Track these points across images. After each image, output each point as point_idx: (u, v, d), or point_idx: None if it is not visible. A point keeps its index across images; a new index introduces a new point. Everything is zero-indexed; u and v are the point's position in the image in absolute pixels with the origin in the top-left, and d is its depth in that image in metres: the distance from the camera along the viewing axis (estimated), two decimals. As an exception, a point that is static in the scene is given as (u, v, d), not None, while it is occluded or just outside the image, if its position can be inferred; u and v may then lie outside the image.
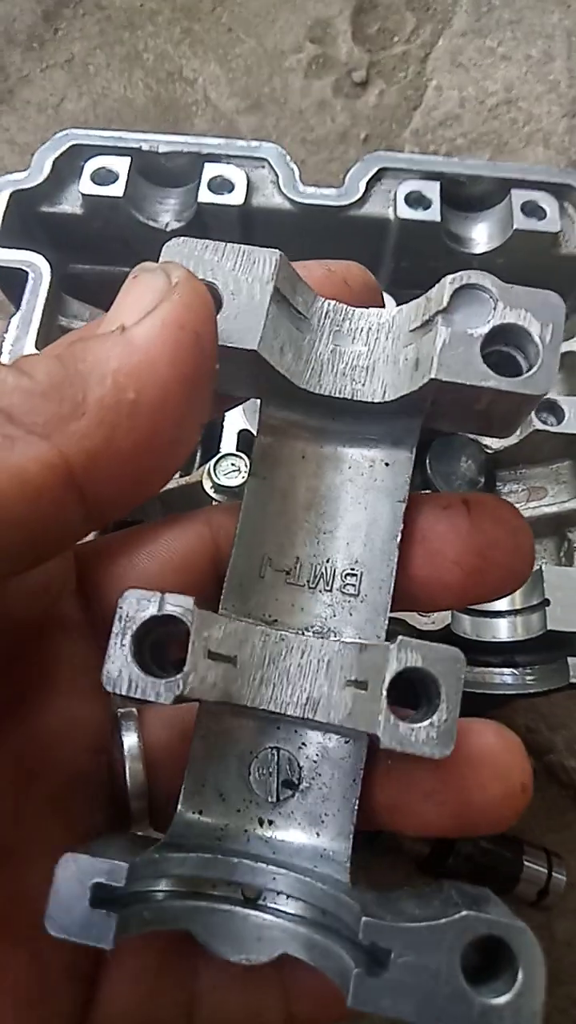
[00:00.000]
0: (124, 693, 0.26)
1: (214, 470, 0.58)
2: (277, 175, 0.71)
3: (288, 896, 0.29)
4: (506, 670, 0.59)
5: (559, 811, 0.99)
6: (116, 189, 0.68)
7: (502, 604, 0.60)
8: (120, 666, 0.26)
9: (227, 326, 0.28)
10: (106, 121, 1.32)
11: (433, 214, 0.69)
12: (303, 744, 0.32)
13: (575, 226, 0.72)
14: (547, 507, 0.64)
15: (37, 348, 0.63)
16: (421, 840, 0.88)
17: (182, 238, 0.30)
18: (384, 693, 0.27)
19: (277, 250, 0.30)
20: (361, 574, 0.32)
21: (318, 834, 0.31)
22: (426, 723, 0.26)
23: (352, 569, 0.32)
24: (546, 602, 0.56)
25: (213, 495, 0.58)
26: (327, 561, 0.32)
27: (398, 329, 0.31)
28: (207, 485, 0.58)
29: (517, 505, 0.65)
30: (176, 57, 1.38)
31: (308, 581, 0.32)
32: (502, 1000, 0.24)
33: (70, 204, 0.71)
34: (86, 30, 1.39)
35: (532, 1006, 0.25)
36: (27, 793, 0.30)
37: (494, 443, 0.66)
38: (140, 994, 0.31)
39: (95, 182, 0.68)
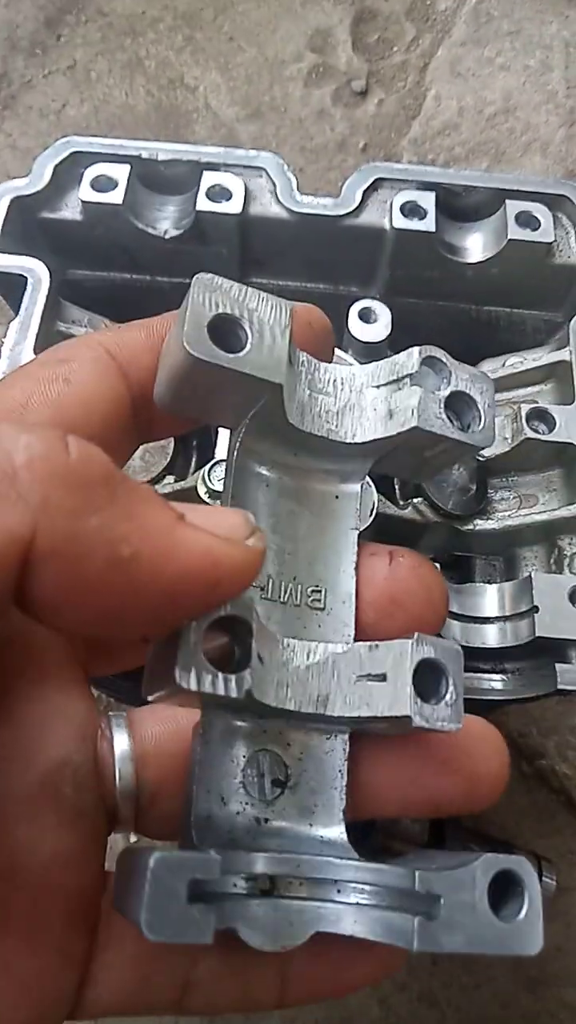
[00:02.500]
0: (196, 689, 0.28)
1: (208, 476, 0.59)
2: (275, 184, 0.72)
3: (312, 880, 0.31)
4: (495, 675, 0.61)
5: (549, 815, 1.02)
6: (116, 196, 0.69)
7: (491, 610, 0.61)
8: (191, 663, 0.28)
9: (252, 358, 0.31)
10: (107, 127, 1.35)
11: (428, 224, 0.70)
12: (288, 744, 0.34)
13: (569, 236, 0.73)
14: (537, 515, 0.65)
15: (35, 353, 0.64)
16: (410, 843, 0.89)
17: (211, 275, 0.32)
18: (410, 680, 0.31)
19: (291, 301, 0.33)
20: (325, 591, 0.36)
21: (311, 824, 0.34)
22: (442, 703, 0.31)
23: (316, 586, 0.36)
24: (535, 608, 0.57)
25: (207, 500, 0.59)
26: (293, 579, 0.35)
27: (360, 384, 0.36)
28: (201, 490, 0.59)
29: (508, 513, 0.67)
30: (177, 65, 1.41)
31: (280, 596, 0.35)
32: (518, 919, 0.30)
33: (70, 210, 0.72)
34: (88, 37, 1.43)
35: (538, 922, 0.31)
36: (16, 776, 0.31)
37: (486, 451, 0.67)
38: (134, 979, 0.32)
39: (95, 189, 0.69)
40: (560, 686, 0.56)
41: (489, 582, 0.65)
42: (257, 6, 1.46)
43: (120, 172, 0.70)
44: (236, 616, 0.29)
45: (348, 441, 0.35)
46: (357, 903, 0.31)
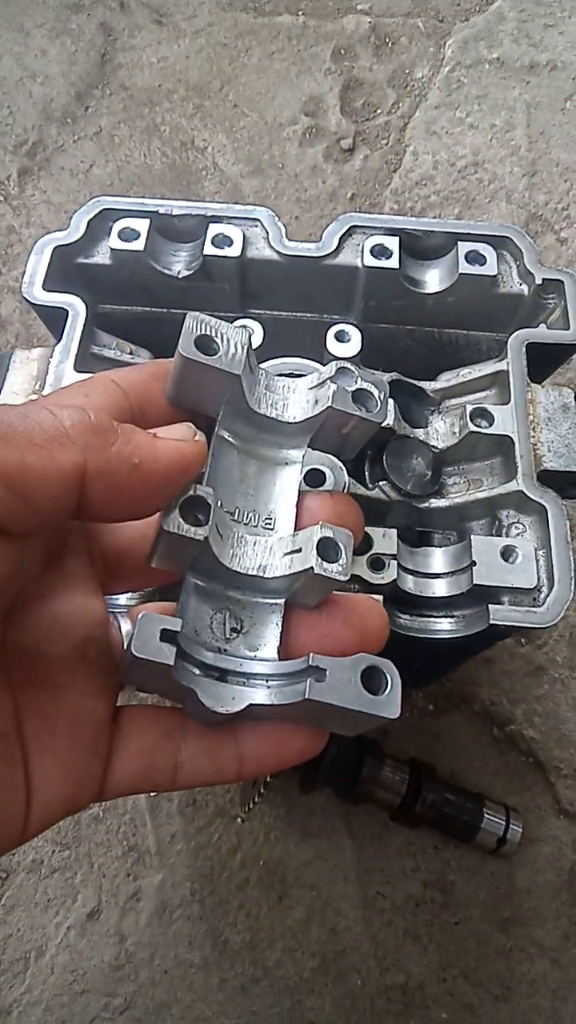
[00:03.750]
0: (174, 530, 0.40)
1: None
2: (268, 232, 0.80)
3: (249, 675, 0.44)
4: (445, 619, 0.73)
5: (519, 775, 1.11)
6: (138, 244, 0.79)
7: (440, 567, 0.73)
8: (173, 517, 0.41)
9: (221, 360, 0.44)
10: (129, 184, 1.46)
11: (393, 263, 0.79)
12: (243, 607, 0.48)
13: (511, 270, 0.82)
14: (481, 493, 0.76)
15: (75, 370, 0.76)
16: (392, 792, 1.01)
17: (198, 314, 0.46)
18: (315, 549, 0.43)
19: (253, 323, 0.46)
20: (274, 519, 0.49)
21: (255, 656, 0.46)
22: (336, 564, 0.43)
23: (269, 516, 0.49)
24: (473, 563, 0.69)
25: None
26: (254, 511, 0.49)
27: (299, 386, 0.50)
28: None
29: (459, 495, 0.79)
30: (189, 129, 1.52)
31: (243, 520, 0.49)
32: (382, 693, 0.41)
33: (101, 256, 0.81)
34: (112, 107, 1.53)
35: (397, 699, 0.41)
36: (57, 645, 0.44)
37: (440, 443, 0.79)
38: (141, 767, 0.44)
39: (121, 239, 0.79)
40: (491, 621, 0.68)
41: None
42: (258, 77, 1.56)
43: (142, 225, 0.79)
44: (201, 496, 0.42)
45: (289, 421, 0.49)
46: (275, 686, 0.43)
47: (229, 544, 0.45)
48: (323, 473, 0.72)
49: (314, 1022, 1.02)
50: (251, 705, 0.43)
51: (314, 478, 0.71)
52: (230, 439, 0.50)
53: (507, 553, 0.69)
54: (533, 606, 0.68)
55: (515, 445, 0.73)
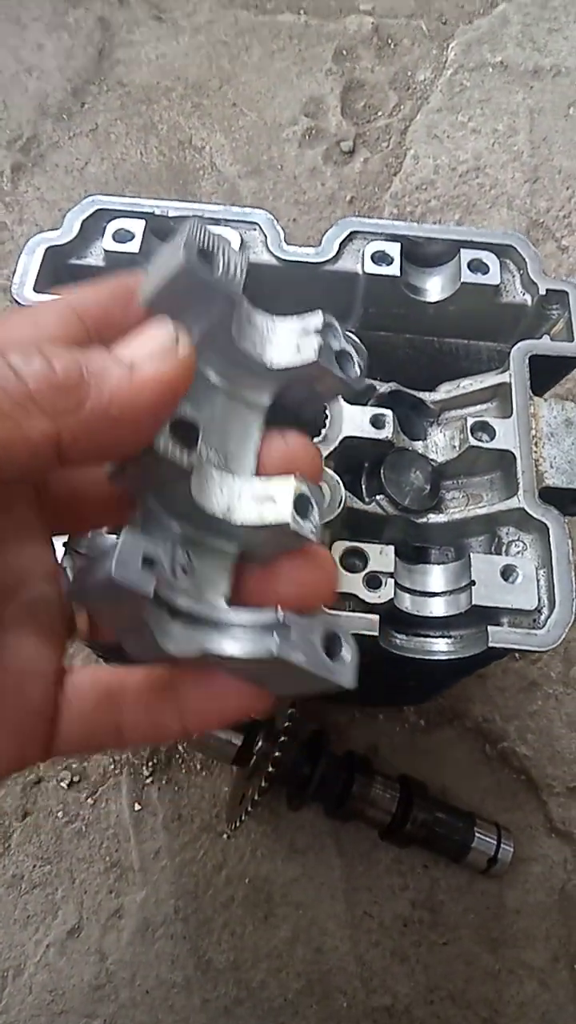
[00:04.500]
0: (162, 451, 0.37)
1: None
2: (266, 236, 0.79)
3: (213, 621, 0.42)
4: (442, 640, 0.71)
5: (511, 793, 1.10)
6: (133, 246, 0.77)
7: (438, 586, 0.71)
8: (162, 439, 0.38)
9: (222, 281, 0.41)
10: (124, 183, 1.44)
11: (394, 270, 0.77)
12: (196, 547, 0.45)
13: (514, 279, 0.80)
14: (481, 509, 0.75)
15: None
16: (382, 810, 0.99)
17: (201, 220, 0.43)
18: (292, 503, 0.41)
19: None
20: (238, 461, 0.46)
21: (201, 597, 0.44)
22: (309, 519, 0.41)
23: (232, 455, 0.47)
24: (472, 583, 0.67)
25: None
26: (216, 449, 0.46)
27: (281, 328, 0.46)
28: None
29: (458, 510, 0.77)
30: (186, 128, 1.50)
31: (208, 458, 0.45)
32: (340, 658, 0.40)
33: (94, 258, 0.79)
34: (109, 104, 1.51)
35: (353, 667, 0.40)
36: (7, 605, 0.42)
37: (439, 457, 0.77)
38: (86, 725, 0.43)
39: (115, 240, 0.77)
40: (490, 644, 0.66)
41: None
42: (258, 77, 1.55)
43: (137, 226, 0.78)
44: (190, 420, 0.39)
45: (267, 364, 0.45)
46: (241, 636, 0.41)
47: (197, 478, 0.42)
48: (318, 486, 0.70)
49: (299, 1044, 1.00)
50: (209, 653, 0.41)
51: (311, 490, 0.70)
52: (208, 372, 0.47)
53: (507, 573, 0.67)
54: (533, 628, 0.67)
55: (516, 460, 0.72)
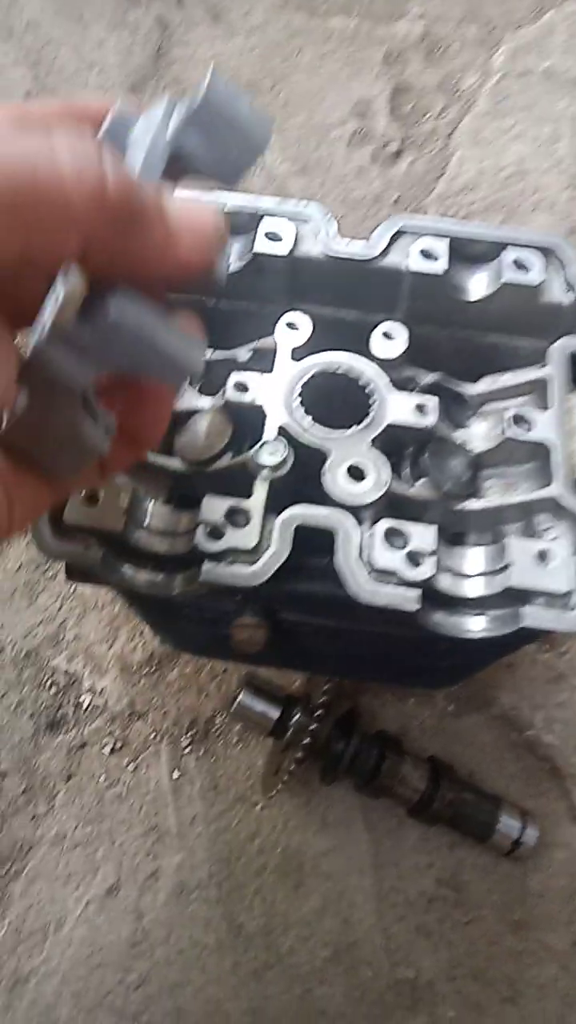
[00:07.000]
0: None
1: (259, 452, 0.74)
2: (319, 231, 0.82)
3: None
4: (476, 619, 0.74)
5: (536, 780, 1.12)
6: None
7: (475, 568, 0.74)
8: None
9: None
10: None
11: (440, 267, 0.80)
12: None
13: (555, 279, 0.82)
14: (518, 497, 0.76)
15: None
16: (411, 788, 1.02)
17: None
18: None
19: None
20: None
21: None
22: None
23: None
24: (509, 565, 0.70)
25: (257, 471, 0.74)
26: None
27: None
28: (252, 464, 0.73)
29: (495, 498, 0.80)
30: None
31: None
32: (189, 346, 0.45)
33: None
34: None
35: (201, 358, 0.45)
36: None
37: (478, 446, 0.80)
38: None
39: None
40: (523, 624, 0.69)
41: (478, 553, 0.78)
42: (309, 78, 1.58)
43: None
44: None
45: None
46: None
47: None
48: (363, 468, 0.74)
49: (324, 1011, 1.03)
50: None
51: (356, 472, 0.74)
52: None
53: (544, 556, 0.70)
54: (565, 609, 0.69)
55: (553, 452, 0.74)
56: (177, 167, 0.48)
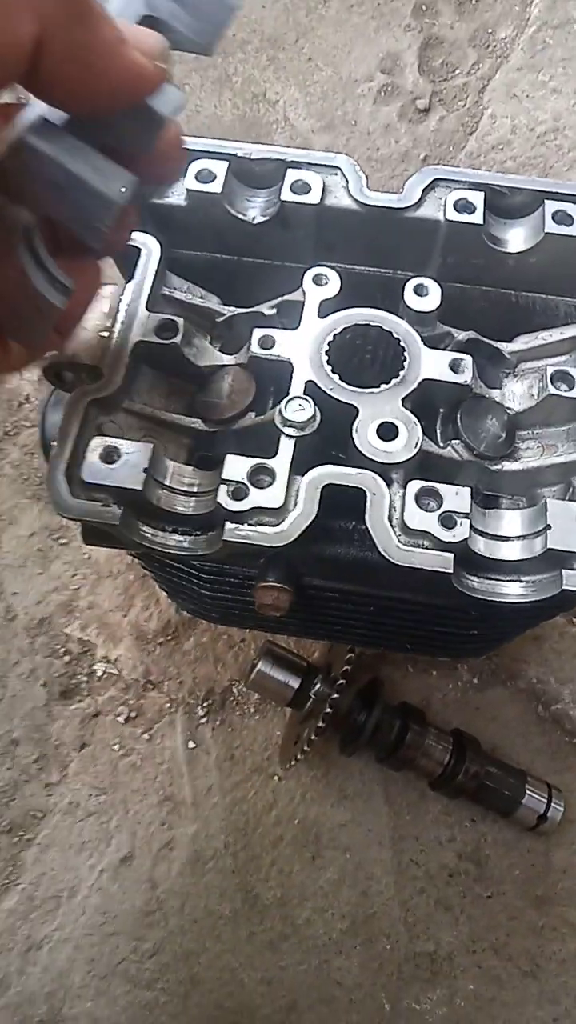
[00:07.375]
0: None
1: (285, 408, 0.70)
2: (347, 181, 0.79)
3: None
4: (513, 583, 0.71)
5: (562, 755, 1.10)
6: (215, 187, 0.78)
7: (512, 531, 0.71)
8: None
9: None
10: (197, 134, 1.41)
11: (477, 218, 0.77)
12: None
13: None
14: (557, 459, 0.74)
15: (148, 309, 0.75)
16: (434, 760, 1.00)
17: None
18: None
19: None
20: None
21: None
22: None
23: None
24: (548, 527, 0.67)
25: (283, 428, 0.70)
26: None
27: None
28: (278, 421, 0.71)
29: (533, 459, 0.77)
30: (261, 81, 1.50)
31: None
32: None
33: (176, 197, 0.80)
34: (184, 55, 1.52)
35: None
36: None
37: (516, 406, 0.77)
38: None
39: (198, 180, 0.78)
40: (564, 587, 0.66)
41: (513, 516, 0.75)
42: (335, 31, 1.53)
43: (219, 167, 0.78)
44: None
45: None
46: None
47: None
48: (395, 427, 0.71)
49: (340, 983, 1.02)
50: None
51: (387, 431, 0.70)
52: None
53: (584, 518, 0.67)
54: (606, 574, 0.66)
55: (595, 411, 0.71)
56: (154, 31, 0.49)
